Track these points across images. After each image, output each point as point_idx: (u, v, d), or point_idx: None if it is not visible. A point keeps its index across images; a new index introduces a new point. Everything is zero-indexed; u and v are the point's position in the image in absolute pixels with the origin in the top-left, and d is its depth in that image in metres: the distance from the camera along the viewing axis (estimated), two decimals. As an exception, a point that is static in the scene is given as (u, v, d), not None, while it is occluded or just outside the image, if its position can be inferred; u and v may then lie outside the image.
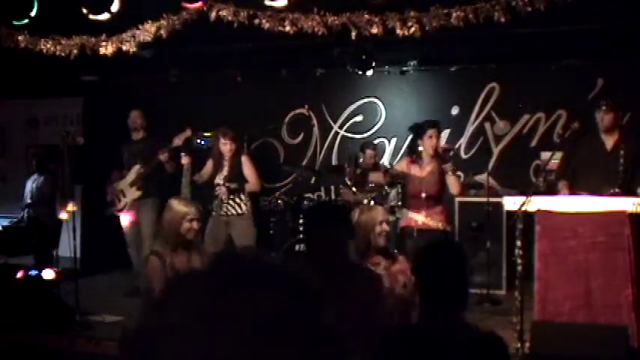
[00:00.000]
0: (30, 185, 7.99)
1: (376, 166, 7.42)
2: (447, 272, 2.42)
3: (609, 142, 5.33)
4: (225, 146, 6.36)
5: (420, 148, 5.58)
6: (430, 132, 5.52)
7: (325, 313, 0.69)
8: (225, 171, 6.39)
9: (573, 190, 5.31)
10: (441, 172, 5.50)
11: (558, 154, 5.74)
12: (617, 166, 5.21)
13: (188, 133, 6.48)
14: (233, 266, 0.70)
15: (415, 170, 5.61)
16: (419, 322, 2.51)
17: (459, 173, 5.86)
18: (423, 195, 5.48)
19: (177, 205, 4.12)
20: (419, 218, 5.50)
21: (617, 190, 5.07)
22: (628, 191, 5.04)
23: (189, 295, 0.67)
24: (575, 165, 5.43)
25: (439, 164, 5.53)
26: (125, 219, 6.90)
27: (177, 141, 6.51)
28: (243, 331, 0.63)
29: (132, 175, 6.83)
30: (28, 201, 7.95)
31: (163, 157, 6.52)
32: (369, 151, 7.36)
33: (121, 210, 6.88)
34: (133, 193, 6.82)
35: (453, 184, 5.53)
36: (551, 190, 5.60)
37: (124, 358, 0.69)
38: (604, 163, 5.26)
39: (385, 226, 4.05)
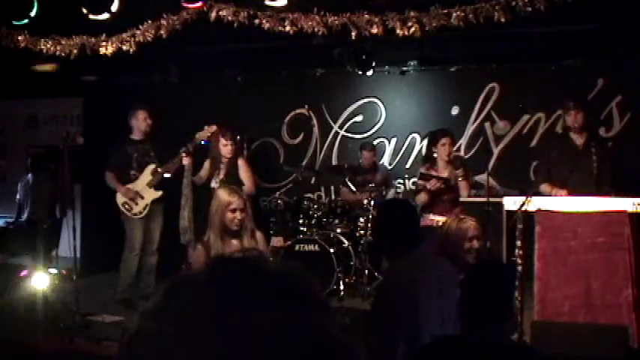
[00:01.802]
0: (25, 186, 7.98)
1: (374, 167, 7.42)
2: (490, 291, 2.40)
3: (579, 141, 5.50)
4: (226, 147, 6.30)
5: (435, 155, 6.11)
6: (443, 140, 6.03)
7: (329, 320, 0.67)
8: (221, 174, 6.33)
9: (556, 190, 5.35)
10: (455, 177, 5.99)
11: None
12: (590, 166, 5.27)
13: (213, 128, 6.18)
14: (233, 270, 0.69)
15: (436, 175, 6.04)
16: (461, 333, 2.48)
17: (471, 177, 6.21)
18: (445, 197, 5.97)
19: (222, 194, 4.00)
20: (440, 220, 5.62)
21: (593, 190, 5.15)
22: (600, 191, 5.10)
23: (188, 299, 0.66)
24: (549, 165, 5.54)
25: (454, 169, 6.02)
26: (139, 223, 6.44)
27: (204, 135, 6.15)
28: (242, 336, 0.62)
29: (147, 175, 6.42)
30: (24, 201, 7.94)
31: (186, 159, 6.14)
32: (365, 153, 7.36)
33: (140, 213, 6.41)
34: (153, 194, 6.41)
35: (463, 188, 6.00)
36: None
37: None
38: (577, 162, 5.33)
39: (476, 244, 3.68)
